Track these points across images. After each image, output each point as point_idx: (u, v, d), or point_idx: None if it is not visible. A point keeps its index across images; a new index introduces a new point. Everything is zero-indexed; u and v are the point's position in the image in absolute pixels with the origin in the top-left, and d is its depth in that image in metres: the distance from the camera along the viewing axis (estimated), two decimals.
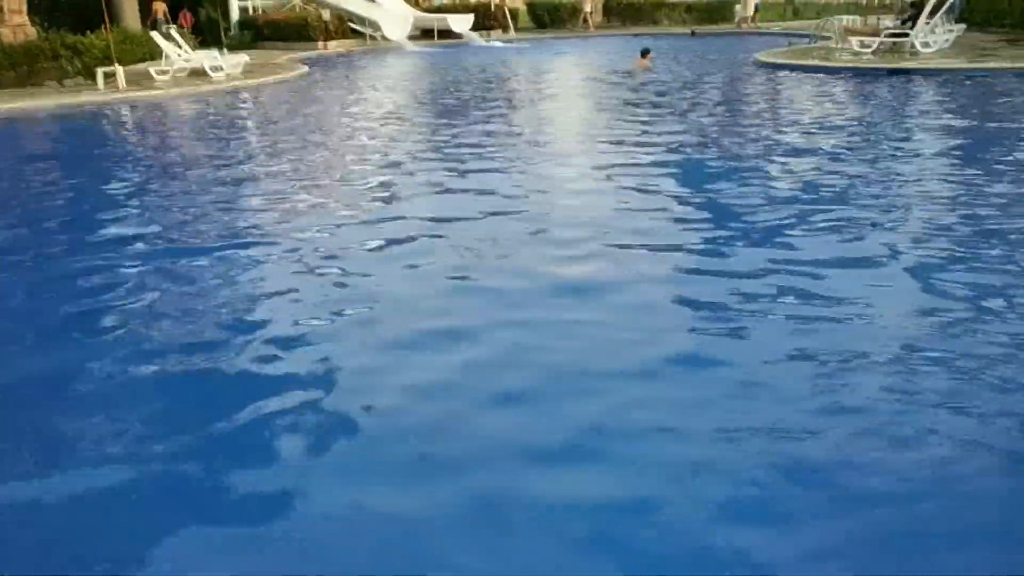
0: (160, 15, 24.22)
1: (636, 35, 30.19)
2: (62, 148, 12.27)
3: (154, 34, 18.62)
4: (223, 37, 27.47)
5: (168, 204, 7.88)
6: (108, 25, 17.60)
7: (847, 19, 19.59)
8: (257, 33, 28.15)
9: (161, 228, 6.93)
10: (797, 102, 13.51)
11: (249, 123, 13.87)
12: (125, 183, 8.92)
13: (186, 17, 25.99)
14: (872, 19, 19.87)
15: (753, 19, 31.22)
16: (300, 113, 14.24)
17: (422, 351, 4.29)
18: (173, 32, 19.95)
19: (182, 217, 7.30)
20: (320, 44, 26.83)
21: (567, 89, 17.01)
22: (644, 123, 11.56)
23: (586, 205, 7.22)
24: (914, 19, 17.82)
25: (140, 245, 6.43)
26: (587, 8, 33.73)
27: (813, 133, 10.35)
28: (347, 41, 27.89)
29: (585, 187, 7.96)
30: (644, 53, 18.75)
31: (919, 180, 7.72)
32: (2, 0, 17.37)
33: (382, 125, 12.49)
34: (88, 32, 18.43)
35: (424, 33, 30.10)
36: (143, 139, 12.83)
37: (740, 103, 13.66)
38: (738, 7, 32.86)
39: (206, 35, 27.87)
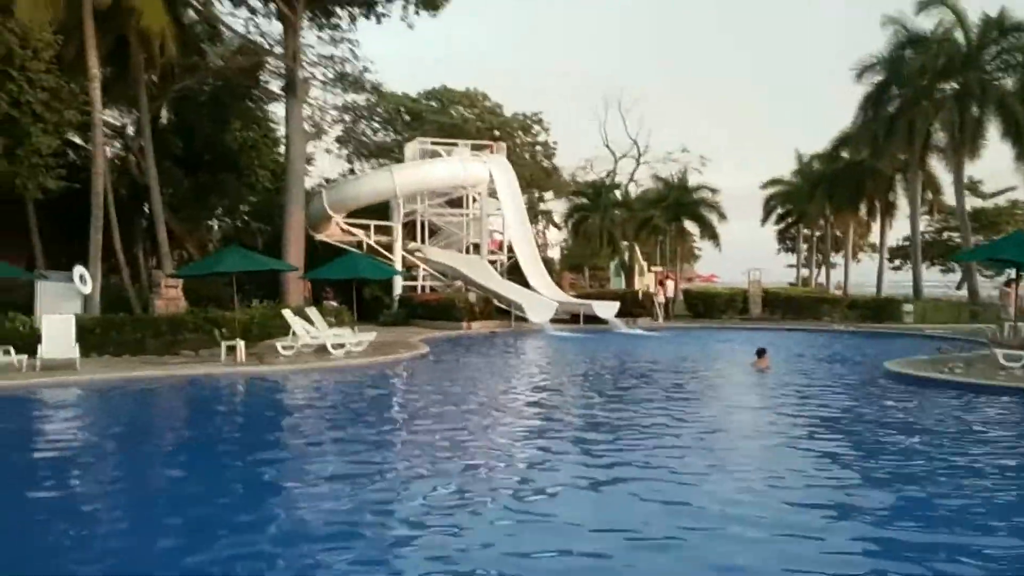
0: (307, 294, 26.29)
1: (790, 329, 29.20)
2: (140, 417, 12.81)
3: (286, 312, 19.94)
4: (381, 314, 29.36)
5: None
6: (236, 302, 19.04)
7: (989, 329, 17.63)
8: (411, 312, 29.77)
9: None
10: (913, 423, 11.83)
11: (337, 407, 13.53)
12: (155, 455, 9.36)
13: (328, 294, 27.84)
14: None
15: None
16: (395, 399, 14.29)
17: None
18: (310, 310, 21.35)
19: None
20: (464, 324, 27.86)
21: (675, 387, 16.15)
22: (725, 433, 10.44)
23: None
24: None
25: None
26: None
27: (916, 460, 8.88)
28: (491, 322, 28.81)
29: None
30: (760, 353, 17.81)
31: None
32: (160, 276, 19.52)
33: (473, 415, 12.31)
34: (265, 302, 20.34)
35: (573, 317, 30.64)
36: (219, 414, 13.26)
37: (852, 420, 12.09)
38: (907, 307, 31.12)
39: (367, 311, 29.94)
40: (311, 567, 5.80)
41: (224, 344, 18.03)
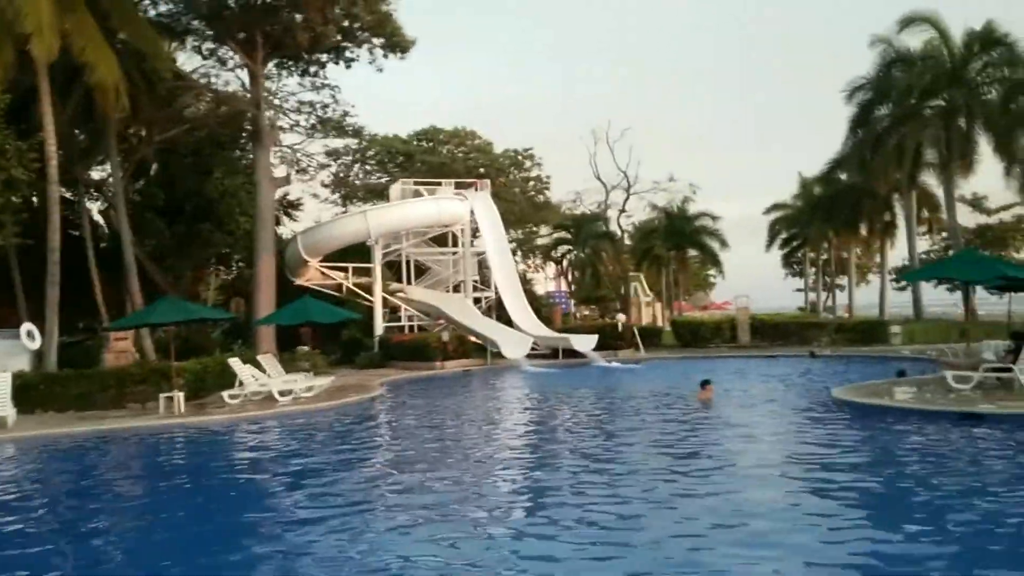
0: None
1: (771, 356, 28.59)
2: (44, 472, 12.73)
3: (232, 360, 19.85)
4: (358, 356, 29.30)
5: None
6: (174, 353, 18.97)
7: (950, 349, 16.99)
8: (387, 353, 29.59)
9: None
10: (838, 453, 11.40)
11: (267, 459, 13.42)
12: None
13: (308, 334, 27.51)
14: (983, 346, 17.09)
15: None
16: (328, 449, 13.97)
17: None
18: (264, 357, 21.27)
19: None
20: (438, 364, 27.63)
21: (624, 418, 15.86)
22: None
23: None
24: (1017, 351, 15.12)
25: None
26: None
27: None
28: (466, 360, 28.52)
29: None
30: (704, 384, 17.37)
31: None
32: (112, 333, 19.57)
33: (397, 468, 11.86)
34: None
35: (554, 351, 30.29)
36: (117, 468, 13.14)
37: (786, 453, 11.64)
38: (894, 328, 30.36)
39: (347, 354, 29.91)
40: None
41: (161, 396, 17.98)
